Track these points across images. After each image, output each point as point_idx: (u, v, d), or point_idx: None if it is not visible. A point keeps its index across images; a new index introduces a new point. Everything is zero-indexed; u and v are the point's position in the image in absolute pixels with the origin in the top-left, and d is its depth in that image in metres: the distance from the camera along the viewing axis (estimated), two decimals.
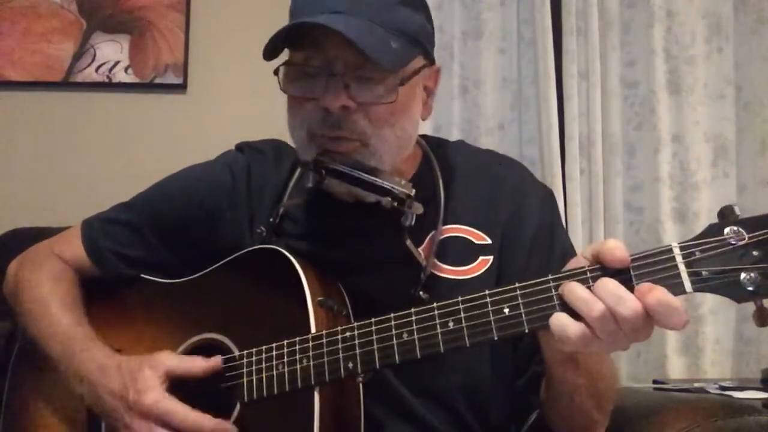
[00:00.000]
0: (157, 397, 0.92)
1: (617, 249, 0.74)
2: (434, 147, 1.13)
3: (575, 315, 0.75)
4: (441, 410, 1.00)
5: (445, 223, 1.04)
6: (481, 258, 1.03)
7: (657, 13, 2.14)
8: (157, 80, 2.14)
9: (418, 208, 0.94)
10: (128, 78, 2.13)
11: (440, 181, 1.06)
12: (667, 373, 2.04)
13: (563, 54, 2.14)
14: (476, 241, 1.04)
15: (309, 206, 1.08)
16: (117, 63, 2.13)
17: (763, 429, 1.05)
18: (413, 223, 0.95)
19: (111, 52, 2.13)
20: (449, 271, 1.02)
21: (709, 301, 2.06)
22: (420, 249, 1.01)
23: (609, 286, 0.73)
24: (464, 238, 1.04)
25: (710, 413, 1.07)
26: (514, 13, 2.19)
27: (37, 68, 2.13)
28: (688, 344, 2.07)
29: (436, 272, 1.01)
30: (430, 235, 1.03)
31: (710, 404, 1.12)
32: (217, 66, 2.16)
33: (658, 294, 0.71)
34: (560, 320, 0.75)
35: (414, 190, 0.94)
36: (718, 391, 1.66)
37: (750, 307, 0.73)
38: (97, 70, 2.13)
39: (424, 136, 1.16)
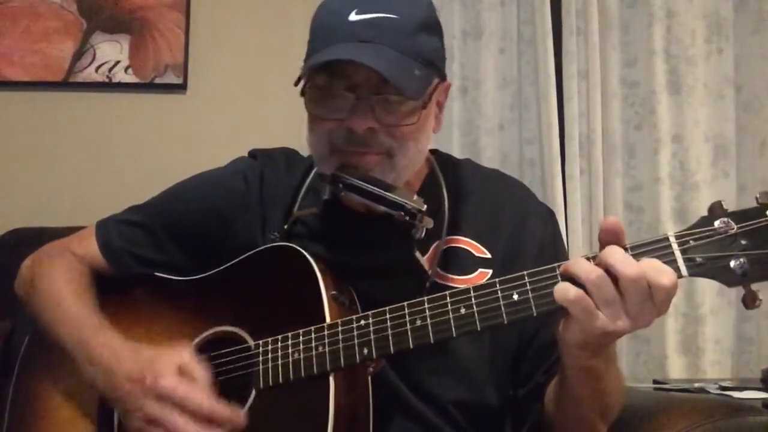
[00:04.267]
0: (174, 382, 0.93)
1: (609, 218, 0.82)
2: (441, 162, 1.17)
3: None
4: (438, 411, 1.03)
5: (448, 234, 1.08)
6: (480, 270, 1.06)
7: (657, 13, 2.14)
8: (157, 80, 2.14)
9: (429, 222, 0.98)
10: (128, 78, 2.13)
11: (445, 195, 1.11)
12: (667, 373, 2.05)
13: (563, 54, 2.14)
14: (476, 254, 1.08)
15: (322, 215, 1.10)
16: (117, 63, 2.13)
17: (763, 429, 1.05)
18: (423, 236, 0.99)
19: (111, 52, 2.13)
20: (451, 280, 1.05)
21: (709, 301, 2.06)
22: (425, 258, 1.05)
23: (617, 251, 0.78)
24: (465, 249, 1.08)
25: (710, 413, 1.07)
26: (514, 13, 2.19)
27: (37, 68, 2.12)
28: (688, 344, 2.08)
29: (438, 280, 1.05)
30: (435, 244, 1.07)
31: (710, 404, 1.13)
32: (217, 66, 2.16)
33: (648, 260, 0.78)
34: (562, 286, 0.79)
35: (425, 206, 0.98)
36: (718, 391, 1.66)
37: (752, 309, 0.79)
38: (97, 70, 2.13)
39: (434, 152, 1.20)
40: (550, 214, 1.18)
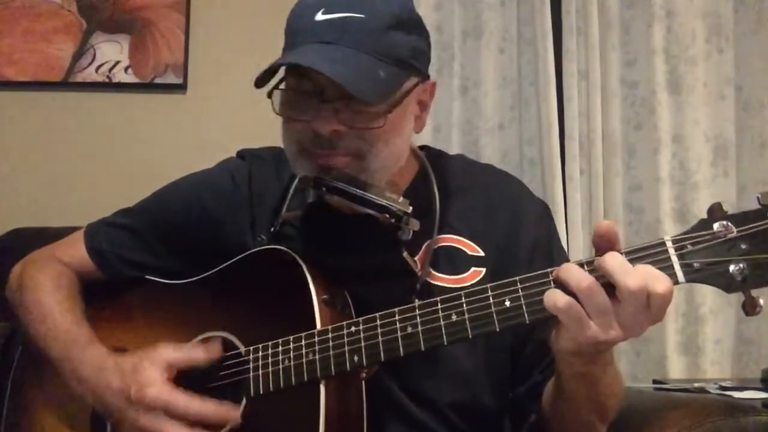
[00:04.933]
0: (159, 389, 0.93)
1: (603, 222, 0.80)
2: (433, 159, 1.15)
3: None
4: (435, 414, 1.02)
5: (439, 233, 1.06)
6: (473, 269, 1.05)
7: (657, 13, 2.14)
8: (157, 80, 2.14)
9: (415, 225, 0.97)
10: (128, 78, 2.13)
11: (436, 193, 1.08)
12: (667, 373, 2.04)
13: (563, 54, 2.14)
14: (469, 252, 1.06)
15: (308, 217, 1.09)
16: (117, 63, 2.13)
17: (763, 429, 1.05)
18: (410, 237, 0.98)
19: (111, 52, 2.13)
20: (443, 279, 1.04)
21: (709, 301, 2.06)
22: (416, 258, 1.03)
23: (616, 257, 0.76)
24: (458, 248, 1.06)
25: (710, 413, 1.07)
26: (514, 13, 2.18)
27: (37, 68, 2.13)
28: (688, 344, 2.07)
29: (430, 280, 1.03)
30: (426, 244, 1.05)
31: (710, 404, 1.12)
32: (217, 66, 2.16)
33: (643, 266, 0.76)
34: (552, 293, 0.78)
35: (411, 207, 0.96)
36: (718, 391, 1.65)
37: (752, 316, 0.76)
38: (97, 70, 2.13)
39: (426, 148, 1.18)
40: (546, 211, 1.15)
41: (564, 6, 2.15)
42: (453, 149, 2.10)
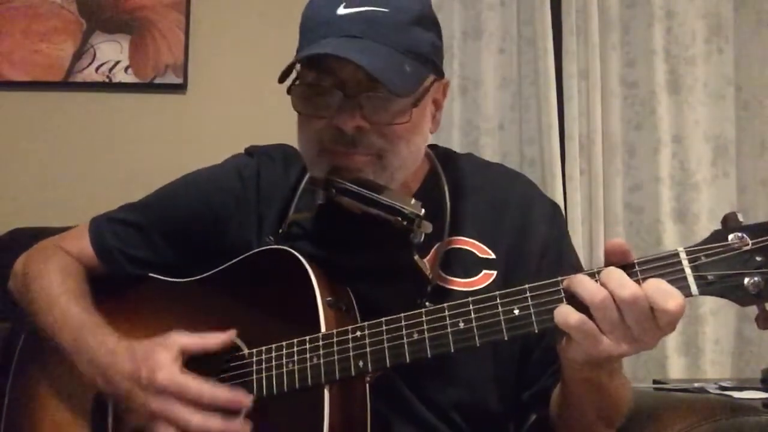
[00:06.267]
0: (170, 372, 0.92)
1: (613, 240, 0.80)
2: (442, 159, 1.13)
3: (581, 308, 0.76)
4: (439, 415, 1.01)
5: (450, 235, 1.04)
6: (484, 272, 1.03)
7: (657, 13, 2.14)
8: (157, 80, 2.14)
9: (427, 227, 0.94)
10: (128, 78, 2.13)
11: (447, 194, 1.07)
12: (667, 373, 2.05)
13: (563, 54, 2.14)
14: (480, 255, 1.04)
15: (318, 217, 1.07)
16: (117, 63, 2.13)
17: (763, 429, 1.05)
18: (422, 240, 0.95)
19: (111, 52, 2.13)
20: (453, 282, 1.02)
21: (709, 301, 2.06)
22: (425, 260, 1.02)
23: (613, 272, 0.76)
24: (468, 250, 1.05)
25: (710, 413, 1.07)
26: (514, 13, 2.19)
27: (37, 68, 2.13)
28: (688, 344, 2.08)
29: (440, 283, 1.02)
30: (436, 246, 1.03)
31: (710, 404, 1.12)
32: (217, 66, 2.16)
33: (654, 281, 0.75)
34: (563, 310, 0.77)
35: (423, 210, 0.94)
36: (718, 391, 1.65)
37: (751, 308, 0.75)
38: (97, 70, 2.13)
39: (432, 146, 1.16)
40: (556, 210, 1.13)
41: (564, 6, 2.15)
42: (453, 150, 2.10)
